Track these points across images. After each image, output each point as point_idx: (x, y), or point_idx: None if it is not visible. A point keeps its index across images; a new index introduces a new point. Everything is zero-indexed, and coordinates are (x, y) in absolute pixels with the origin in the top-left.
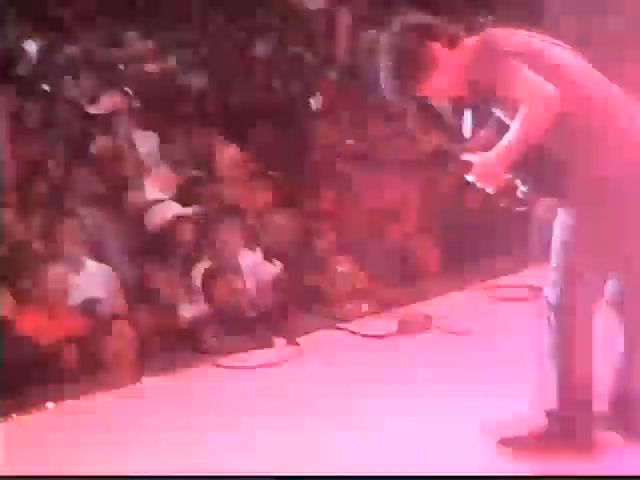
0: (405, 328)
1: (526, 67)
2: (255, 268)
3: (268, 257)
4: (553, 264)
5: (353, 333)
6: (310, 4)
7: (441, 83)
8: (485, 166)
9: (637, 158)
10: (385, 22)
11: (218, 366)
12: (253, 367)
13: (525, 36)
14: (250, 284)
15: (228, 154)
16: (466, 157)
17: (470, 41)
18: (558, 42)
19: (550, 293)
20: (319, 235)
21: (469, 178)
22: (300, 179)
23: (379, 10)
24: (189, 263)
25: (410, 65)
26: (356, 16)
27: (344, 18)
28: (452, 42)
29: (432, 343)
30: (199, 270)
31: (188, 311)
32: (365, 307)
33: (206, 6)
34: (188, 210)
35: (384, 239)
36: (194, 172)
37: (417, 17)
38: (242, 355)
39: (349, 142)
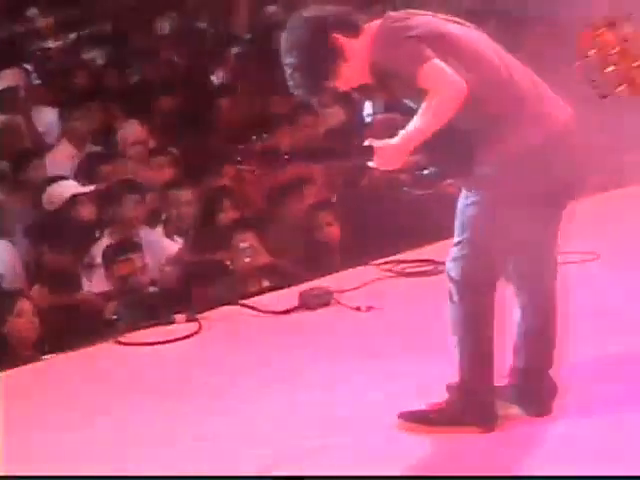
0: (306, 303)
1: (431, 53)
2: (156, 244)
3: (169, 233)
4: (456, 240)
5: (254, 309)
6: None
7: (349, 73)
8: (387, 152)
9: (540, 141)
10: None
11: (118, 343)
12: (152, 344)
13: (427, 18)
14: (151, 261)
15: (129, 130)
16: (368, 143)
17: (372, 26)
18: (459, 20)
19: (452, 268)
20: (220, 211)
21: (371, 164)
22: (201, 155)
23: None
24: (88, 240)
25: (317, 61)
26: None
27: None
28: (355, 30)
29: (332, 318)
30: (100, 247)
31: (89, 288)
32: (267, 282)
33: None
34: (86, 188)
35: (286, 214)
36: (95, 148)
37: (316, 9)
38: (142, 332)
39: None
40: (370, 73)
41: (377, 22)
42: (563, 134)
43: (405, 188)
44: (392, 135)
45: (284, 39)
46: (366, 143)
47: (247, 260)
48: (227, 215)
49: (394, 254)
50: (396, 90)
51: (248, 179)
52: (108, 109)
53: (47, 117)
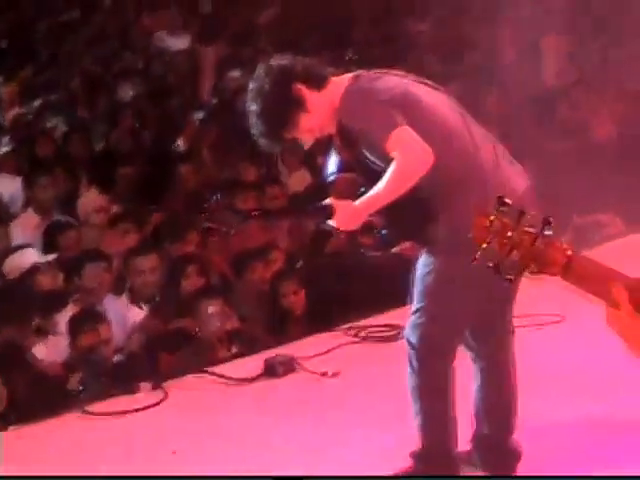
0: (271, 370)
1: (401, 119)
2: (121, 312)
3: (135, 301)
4: (414, 307)
5: (219, 376)
6: (174, 45)
7: (310, 125)
8: (347, 212)
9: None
10: (249, 62)
11: (84, 412)
12: (117, 413)
13: (398, 80)
14: (116, 329)
15: (92, 198)
16: (329, 202)
17: (340, 82)
18: (427, 82)
19: (411, 335)
20: (185, 277)
21: (330, 222)
22: (166, 222)
23: (244, 50)
24: (49, 309)
25: (276, 109)
26: (221, 56)
27: (209, 58)
28: (319, 83)
29: (298, 384)
30: (64, 316)
31: (52, 358)
32: (232, 349)
33: (71, 48)
34: (47, 257)
35: (252, 281)
36: (58, 217)
37: (281, 59)
38: (108, 401)
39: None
40: (337, 132)
41: (346, 78)
42: (520, 204)
43: (362, 250)
44: (354, 194)
45: (250, 86)
46: (327, 202)
47: (216, 325)
48: (192, 282)
49: (359, 319)
50: (362, 151)
51: (213, 245)
52: (72, 177)
53: (11, 186)
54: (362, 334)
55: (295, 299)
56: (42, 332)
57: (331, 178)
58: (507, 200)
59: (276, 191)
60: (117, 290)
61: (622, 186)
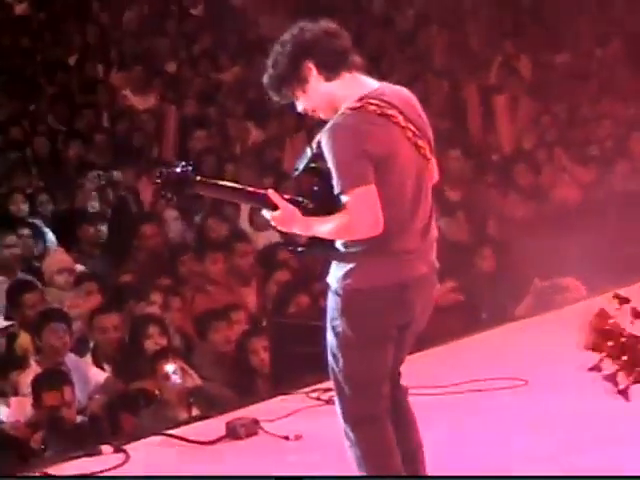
0: (233, 432)
1: (371, 176)
2: (84, 372)
3: (97, 361)
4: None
5: (181, 439)
6: (140, 103)
7: (304, 104)
8: (287, 219)
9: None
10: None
11: (44, 475)
12: (77, 477)
13: (389, 130)
14: (79, 389)
15: (55, 257)
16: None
17: (351, 90)
18: (415, 129)
19: (337, 410)
20: (148, 337)
21: (267, 214)
22: (128, 281)
23: (208, 108)
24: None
25: (281, 76)
26: (186, 115)
27: (173, 118)
28: (330, 73)
29: (259, 447)
30: (28, 376)
31: (11, 418)
32: (194, 411)
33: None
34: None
35: (214, 341)
36: (21, 276)
37: (314, 28)
38: (68, 463)
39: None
40: (317, 142)
41: (356, 93)
42: (420, 281)
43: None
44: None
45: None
46: (271, 192)
47: (177, 385)
48: (155, 342)
49: (322, 382)
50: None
51: (176, 306)
52: (38, 236)
53: None
54: (325, 397)
55: (262, 357)
56: (1, 393)
57: (296, 173)
58: (624, 296)
59: (245, 248)
60: (80, 350)
61: (583, 250)
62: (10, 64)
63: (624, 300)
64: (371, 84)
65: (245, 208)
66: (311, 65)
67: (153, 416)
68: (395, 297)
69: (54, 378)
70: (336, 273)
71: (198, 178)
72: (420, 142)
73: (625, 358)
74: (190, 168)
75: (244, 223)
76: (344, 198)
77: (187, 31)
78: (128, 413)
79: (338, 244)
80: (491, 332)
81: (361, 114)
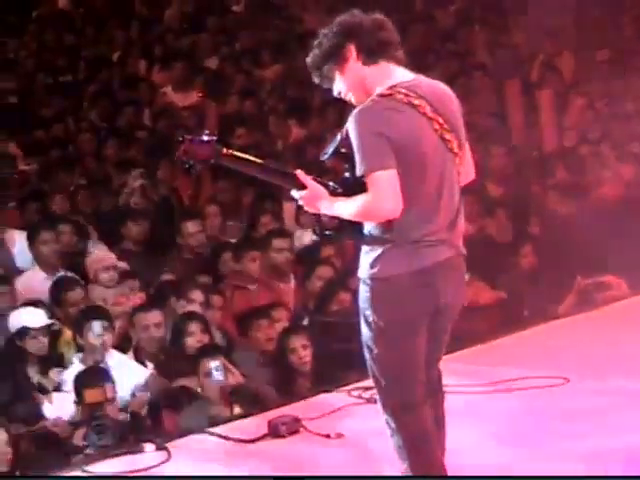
0: (275, 431)
1: (392, 161)
2: (127, 370)
3: (140, 358)
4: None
5: (223, 437)
6: (180, 100)
7: (339, 85)
8: (316, 198)
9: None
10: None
11: (86, 472)
12: (120, 474)
13: (415, 125)
14: (121, 387)
15: (98, 255)
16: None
17: (385, 76)
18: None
19: (377, 402)
20: (190, 335)
21: (296, 194)
22: (170, 279)
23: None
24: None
25: (322, 55)
26: (227, 112)
27: (213, 114)
28: (368, 58)
29: (301, 446)
30: (70, 373)
31: (57, 414)
32: (237, 409)
33: (77, 103)
34: (38, 321)
35: (256, 339)
36: (64, 273)
37: (368, 19)
38: (110, 461)
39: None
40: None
41: (388, 83)
42: (445, 265)
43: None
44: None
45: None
46: (300, 172)
47: (219, 379)
48: (196, 339)
49: (363, 380)
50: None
51: (217, 304)
52: (80, 233)
53: (19, 241)
54: (366, 395)
55: (303, 355)
56: (43, 389)
57: (325, 157)
58: None
59: (283, 243)
60: (123, 347)
61: (626, 247)
62: (53, 60)
63: None
64: (406, 75)
65: (291, 207)
66: (352, 47)
67: (195, 414)
68: (421, 283)
69: (96, 376)
70: (364, 263)
71: (225, 150)
72: (448, 135)
73: None
74: (215, 138)
75: (289, 221)
76: (366, 180)
77: (228, 27)
78: (170, 411)
79: (365, 232)
80: (533, 330)
81: (387, 101)
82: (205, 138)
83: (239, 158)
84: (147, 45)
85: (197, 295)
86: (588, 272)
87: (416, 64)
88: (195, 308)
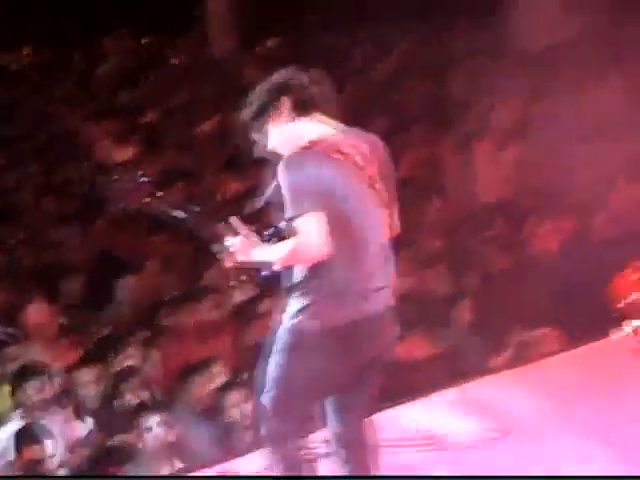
0: None
1: (320, 205)
2: (66, 426)
3: (78, 414)
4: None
5: None
6: (118, 155)
7: (274, 139)
8: (246, 248)
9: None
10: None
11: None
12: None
13: (335, 172)
14: (60, 443)
15: (36, 310)
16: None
17: (312, 128)
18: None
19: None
20: (128, 391)
21: (227, 242)
22: (108, 335)
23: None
24: None
25: (257, 108)
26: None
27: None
28: (300, 110)
29: None
30: (8, 430)
31: None
32: (177, 464)
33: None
34: None
35: (195, 394)
36: (3, 328)
37: (297, 75)
38: None
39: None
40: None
41: (315, 132)
42: (373, 320)
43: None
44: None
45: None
46: (235, 220)
47: (159, 435)
48: (135, 395)
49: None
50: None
51: (155, 358)
52: (17, 289)
53: None
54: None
55: (243, 410)
56: None
57: (258, 206)
58: None
59: (219, 298)
60: (61, 404)
61: (563, 301)
62: None
63: None
64: (338, 127)
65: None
66: (286, 101)
67: (135, 470)
68: (346, 337)
69: (35, 432)
70: (290, 309)
71: (158, 193)
72: (378, 185)
73: None
74: (149, 180)
75: (228, 275)
76: (294, 224)
77: (166, 81)
78: (110, 467)
79: (294, 280)
80: (471, 384)
81: (317, 149)
82: (140, 179)
83: (171, 202)
84: (85, 99)
85: (135, 350)
86: (525, 326)
87: (353, 117)
88: (133, 363)
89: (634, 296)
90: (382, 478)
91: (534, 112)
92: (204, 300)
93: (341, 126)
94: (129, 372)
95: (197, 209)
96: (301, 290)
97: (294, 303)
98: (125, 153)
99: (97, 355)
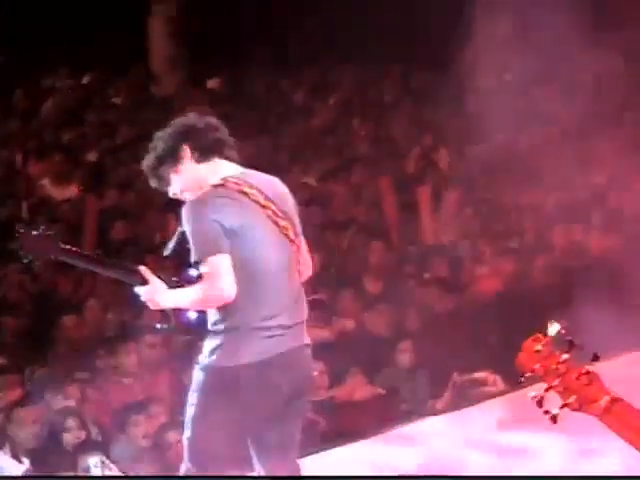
0: None
1: (226, 246)
2: (3, 466)
3: (15, 454)
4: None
5: None
6: (59, 194)
7: (174, 185)
8: (155, 293)
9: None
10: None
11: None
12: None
13: (241, 213)
14: None
15: None
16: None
17: (215, 172)
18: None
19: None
20: (66, 430)
21: (139, 290)
22: (48, 374)
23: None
24: None
25: (159, 158)
26: (108, 206)
27: (93, 208)
28: (201, 156)
29: None
30: None
31: None
32: None
33: None
34: None
35: (133, 435)
36: None
37: (196, 120)
38: None
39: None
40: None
41: (219, 175)
42: (287, 357)
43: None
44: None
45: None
46: (142, 269)
47: (97, 475)
48: (74, 435)
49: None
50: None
51: (94, 398)
52: None
53: None
54: None
55: (179, 450)
56: None
57: (167, 253)
58: (560, 327)
59: (156, 339)
60: None
61: (502, 343)
62: None
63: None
64: (239, 169)
65: None
66: (187, 147)
67: None
68: (260, 376)
69: None
70: (204, 349)
71: (63, 246)
72: (283, 222)
73: (557, 382)
74: (52, 233)
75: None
76: (200, 267)
77: (108, 120)
78: None
79: (208, 321)
80: (411, 426)
81: (219, 190)
82: (43, 233)
83: (79, 254)
84: (25, 137)
85: (74, 390)
86: (465, 368)
87: (294, 158)
88: (72, 403)
89: (537, 366)
90: (382, 478)
91: (473, 156)
92: (143, 339)
93: (241, 169)
94: (68, 412)
95: (99, 254)
96: (213, 330)
97: (208, 343)
98: (66, 192)
99: (35, 395)
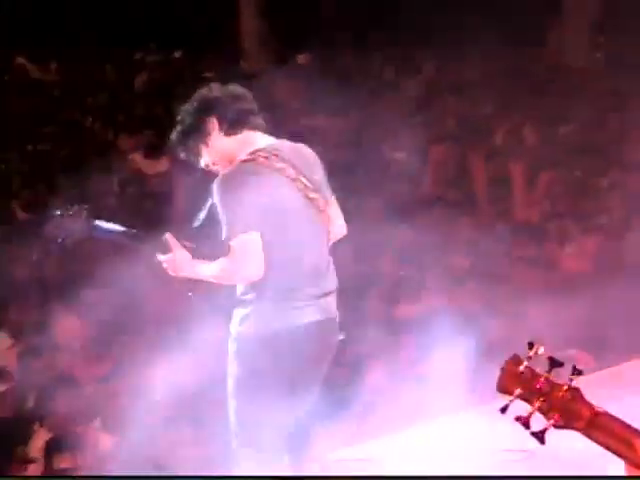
0: None
1: (256, 223)
2: None
3: None
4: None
5: None
6: (150, 168)
7: (206, 158)
8: (179, 262)
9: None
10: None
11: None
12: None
13: (275, 190)
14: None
15: (66, 322)
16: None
17: (246, 144)
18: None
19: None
20: None
21: (161, 257)
22: None
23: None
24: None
25: (186, 130)
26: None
27: (183, 182)
28: (230, 129)
29: None
30: (37, 441)
31: None
32: None
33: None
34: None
35: None
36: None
37: (224, 90)
38: None
39: None
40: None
41: (253, 145)
42: (313, 328)
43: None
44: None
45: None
46: (169, 237)
47: None
48: None
49: None
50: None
51: None
52: (47, 301)
53: None
54: None
55: None
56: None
57: (196, 224)
58: (538, 347)
59: None
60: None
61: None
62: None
63: (531, 345)
64: (268, 140)
65: None
66: (214, 120)
67: None
68: (287, 343)
69: (65, 443)
70: (234, 319)
71: (96, 222)
72: (312, 194)
73: (541, 401)
74: (85, 211)
75: None
76: (229, 243)
77: None
78: None
79: (237, 293)
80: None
81: (249, 165)
82: (72, 212)
83: (108, 228)
84: (116, 111)
85: None
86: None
87: (384, 133)
88: None
89: (518, 392)
90: (382, 478)
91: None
92: None
93: (271, 139)
94: None
95: (134, 231)
96: (242, 300)
97: (237, 312)
98: (157, 166)
99: None
